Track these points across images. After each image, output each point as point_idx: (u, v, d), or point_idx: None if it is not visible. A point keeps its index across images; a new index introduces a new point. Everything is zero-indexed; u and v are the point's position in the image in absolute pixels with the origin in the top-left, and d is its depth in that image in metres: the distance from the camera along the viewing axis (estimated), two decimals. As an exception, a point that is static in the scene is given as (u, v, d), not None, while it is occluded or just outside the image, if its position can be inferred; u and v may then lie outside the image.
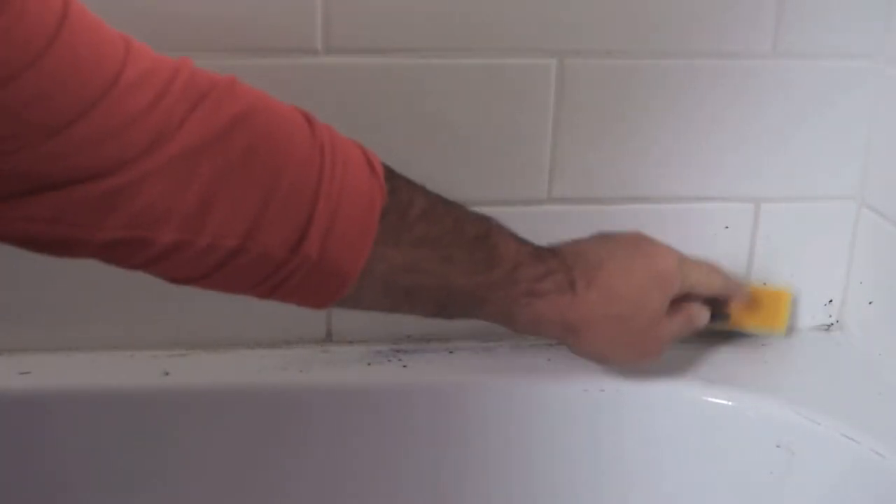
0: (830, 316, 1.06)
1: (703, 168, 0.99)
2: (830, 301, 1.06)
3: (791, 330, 1.04)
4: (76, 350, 0.97)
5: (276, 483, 0.96)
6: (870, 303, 1.01)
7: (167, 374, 0.94)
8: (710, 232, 1.01)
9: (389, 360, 0.98)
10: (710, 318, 0.95)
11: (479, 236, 0.79)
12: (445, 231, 0.77)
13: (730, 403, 0.94)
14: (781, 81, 0.97)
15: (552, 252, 0.85)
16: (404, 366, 0.97)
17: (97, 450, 0.93)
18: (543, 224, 0.98)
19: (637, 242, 0.90)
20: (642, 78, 0.95)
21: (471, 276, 0.78)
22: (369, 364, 0.97)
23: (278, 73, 0.91)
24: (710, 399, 0.94)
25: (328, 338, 1.00)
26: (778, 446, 0.91)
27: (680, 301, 0.90)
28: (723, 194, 1.00)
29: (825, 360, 1.01)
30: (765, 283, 1.03)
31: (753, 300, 0.99)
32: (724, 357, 1.01)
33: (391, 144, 0.94)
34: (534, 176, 0.97)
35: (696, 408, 0.95)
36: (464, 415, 0.95)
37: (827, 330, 1.07)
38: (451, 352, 1.00)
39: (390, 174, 0.75)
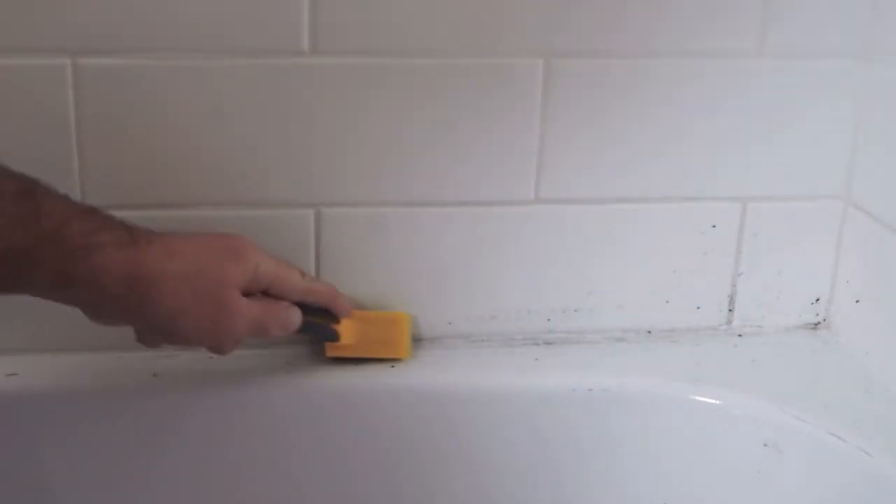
0: (817, 315, 1.07)
1: (690, 168, 0.99)
2: (817, 300, 1.06)
3: (414, 350, 1.00)
4: (64, 351, 0.96)
5: (273, 483, 0.96)
6: (856, 301, 1.02)
7: (156, 375, 0.94)
8: (697, 231, 1.01)
9: (379, 361, 0.98)
10: (316, 331, 0.93)
11: (22, 192, 0.72)
12: None
13: (717, 402, 0.94)
14: (768, 81, 0.97)
15: (109, 214, 0.79)
16: (392, 366, 0.97)
17: (86, 451, 0.93)
18: (531, 225, 0.98)
19: (216, 233, 0.87)
20: (629, 78, 0.95)
21: (16, 231, 0.71)
22: (357, 364, 0.97)
23: (265, 74, 0.91)
24: (697, 398, 0.95)
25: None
26: (765, 445, 0.92)
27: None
28: (710, 194, 1.00)
29: (812, 358, 1.01)
30: (384, 308, 1.00)
31: (369, 324, 0.97)
32: (711, 356, 1.01)
33: (376, 144, 0.95)
34: (521, 176, 0.97)
35: (683, 406, 0.95)
36: (453, 414, 0.96)
37: (814, 328, 1.07)
38: (439, 351, 1.00)
39: None
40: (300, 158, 0.94)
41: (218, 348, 0.84)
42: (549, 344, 1.02)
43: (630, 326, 1.04)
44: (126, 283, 0.77)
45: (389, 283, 0.99)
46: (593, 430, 0.96)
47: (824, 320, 1.07)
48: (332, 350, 0.96)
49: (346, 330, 0.95)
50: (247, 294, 0.84)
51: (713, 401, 0.94)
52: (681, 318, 1.04)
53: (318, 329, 0.93)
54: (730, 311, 1.05)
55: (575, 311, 1.02)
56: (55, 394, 0.93)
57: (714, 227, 1.01)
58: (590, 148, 0.97)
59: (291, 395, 0.95)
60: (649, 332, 1.04)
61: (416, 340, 1.01)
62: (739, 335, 1.05)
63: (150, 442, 0.94)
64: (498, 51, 0.93)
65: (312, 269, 0.97)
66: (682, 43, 0.95)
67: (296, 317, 0.89)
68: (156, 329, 0.81)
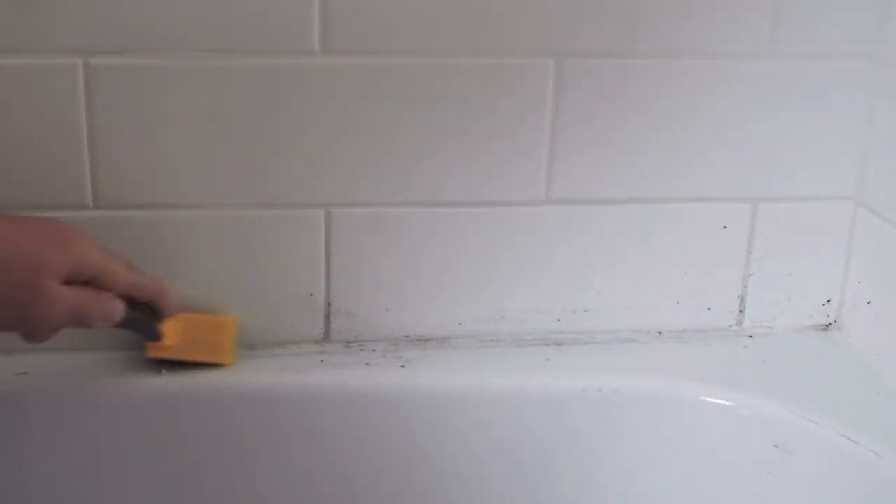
0: (828, 316, 1.06)
1: (701, 168, 0.99)
2: (828, 301, 1.06)
3: (240, 357, 0.98)
4: (73, 351, 0.96)
5: (275, 484, 0.96)
6: (868, 303, 1.02)
7: (163, 373, 0.94)
8: (708, 232, 1.01)
9: (388, 361, 0.98)
10: (139, 328, 0.90)
11: None
12: None
13: (728, 403, 0.94)
14: (779, 82, 0.97)
15: None
16: (402, 366, 0.97)
17: (95, 450, 0.93)
18: (541, 225, 0.98)
19: (38, 217, 0.84)
20: (640, 79, 0.95)
21: None
22: (367, 364, 0.97)
23: (276, 73, 0.91)
24: (707, 399, 0.94)
25: (326, 338, 1.00)
26: (776, 446, 0.91)
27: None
28: (721, 194, 1.00)
29: (823, 360, 1.01)
30: (214, 312, 0.98)
31: (193, 327, 0.95)
32: (721, 357, 1.01)
33: (387, 144, 0.95)
34: (531, 177, 0.97)
35: (694, 408, 0.95)
36: (462, 415, 0.95)
37: (825, 330, 1.07)
38: (448, 351, 1.00)
39: None
40: (311, 158, 0.94)
41: (30, 335, 0.81)
42: (559, 344, 1.02)
43: (640, 327, 1.04)
44: None
45: (399, 283, 0.99)
46: (603, 430, 0.96)
47: (835, 321, 1.07)
48: (152, 351, 0.93)
49: (170, 331, 0.92)
50: (69, 283, 0.81)
51: (723, 402, 0.94)
52: (691, 318, 1.04)
53: (141, 326, 0.91)
54: (740, 312, 1.04)
55: (585, 311, 1.02)
56: (65, 393, 0.93)
57: (725, 227, 1.01)
58: (600, 148, 0.97)
59: (295, 394, 0.95)
60: (659, 332, 1.04)
61: (423, 340, 1.01)
62: (750, 336, 1.05)
63: (159, 440, 0.94)
64: (509, 51, 0.93)
65: (322, 268, 0.97)
66: (693, 44, 0.95)
67: (118, 308, 0.85)
68: None
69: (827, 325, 1.07)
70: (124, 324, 0.86)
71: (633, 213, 1.00)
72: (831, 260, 1.04)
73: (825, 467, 0.89)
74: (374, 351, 0.99)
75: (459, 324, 1.01)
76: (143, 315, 0.90)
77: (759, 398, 0.93)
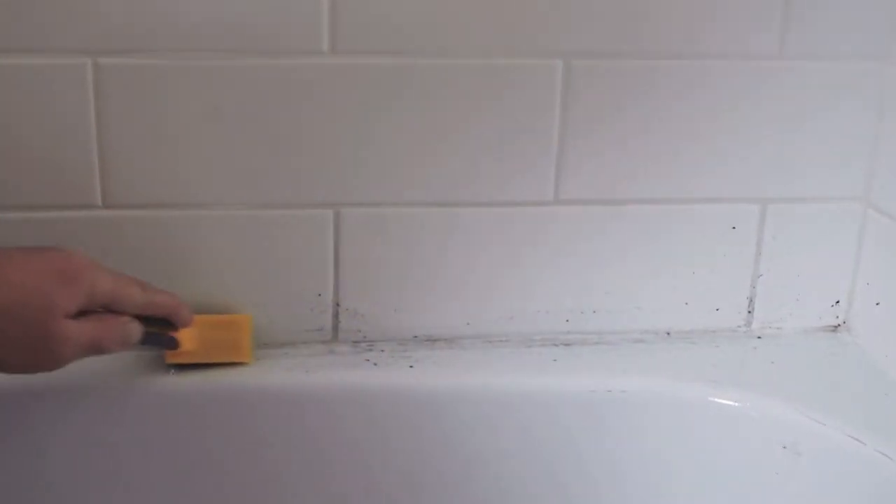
0: (837, 317, 1.06)
1: (709, 169, 0.99)
2: (837, 302, 1.06)
3: (255, 357, 0.98)
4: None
5: (281, 483, 0.96)
6: (876, 304, 1.01)
7: (172, 372, 0.94)
8: (716, 233, 1.01)
9: (396, 361, 0.98)
10: (156, 342, 0.90)
11: None
12: None
13: (736, 404, 0.94)
14: (788, 83, 0.97)
15: None
16: (410, 366, 0.97)
17: (102, 448, 0.93)
18: (550, 225, 0.98)
19: (45, 249, 0.82)
20: (649, 79, 0.95)
21: None
22: (375, 364, 0.97)
23: (285, 74, 0.91)
24: (715, 399, 0.94)
25: (334, 338, 1.00)
26: (784, 447, 0.91)
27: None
28: (729, 195, 1.00)
29: (831, 361, 1.01)
30: (226, 312, 0.98)
31: (209, 328, 0.95)
32: (730, 358, 1.01)
33: (396, 145, 0.95)
34: (540, 177, 0.97)
35: (702, 408, 0.95)
36: (470, 415, 0.95)
37: (833, 331, 1.06)
38: (457, 351, 1.00)
39: None
40: (320, 158, 0.94)
41: (41, 370, 0.81)
42: (568, 345, 1.02)
43: (649, 328, 1.04)
44: None
45: (407, 283, 0.99)
46: (611, 431, 0.96)
47: (844, 322, 1.06)
48: (171, 357, 0.93)
49: (187, 336, 0.92)
50: (84, 312, 0.81)
51: (732, 403, 0.94)
52: (700, 319, 1.04)
53: (158, 339, 0.90)
54: (749, 312, 1.04)
55: (594, 312, 1.02)
56: (72, 390, 0.93)
57: (734, 228, 1.01)
58: (609, 149, 0.97)
59: (303, 394, 0.95)
60: (668, 333, 1.04)
61: (432, 340, 1.01)
62: (758, 337, 1.05)
63: (164, 438, 0.94)
64: (517, 52, 0.93)
65: (331, 268, 0.97)
66: (703, 44, 0.95)
67: (135, 331, 0.85)
68: None
69: (836, 327, 1.07)
70: (143, 341, 0.87)
71: (642, 213, 0.99)
72: (840, 261, 1.04)
73: (833, 468, 0.89)
74: (382, 351, 1.00)
75: (468, 324, 1.01)
76: (160, 328, 0.90)
77: (768, 399, 0.93)
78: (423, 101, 0.93)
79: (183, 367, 0.94)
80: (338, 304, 0.99)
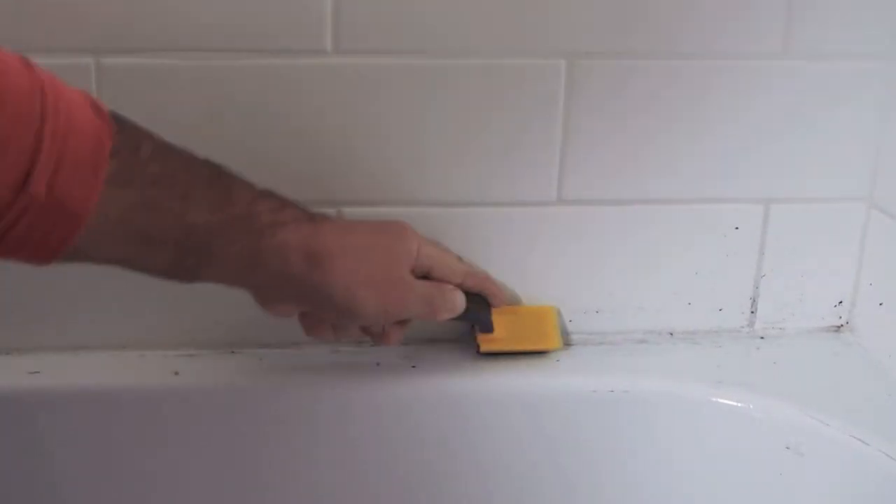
0: (840, 317, 1.06)
1: (712, 169, 0.99)
2: (840, 302, 1.05)
3: (567, 342, 1.01)
4: (86, 349, 0.97)
5: (284, 484, 0.96)
6: (880, 304, 1.01)
7: (177, 373, 0.94)
8: (719, 233, 1.01)
9: (398, 361, 0.98)
10: (476, 318, 0.93)
11: (213, 175, 0.77)
12: (179, 170, 0.74)
13: (739, 405, 0.94)
14: (791, 82, 0.97)
15: (283, 196, 0.82)
16: (413, 366, 0.97)
17: (107, 449, 0.93)
18: (553, 225, 0.98)
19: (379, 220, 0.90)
20: (652, 79, 0.95)
21: (210, 213, 0.75)
22: (378, 364, 0.97)
23: (288, 74, 0.91)
24: (719, 400, 0.94)
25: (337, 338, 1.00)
26: (787, 448, 0.91)
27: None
28: (732, 195, 1.00)
29: (835, 361, 1.01)
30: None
31: (520, 318, 0.98)
32: (733, 358, 1.01)
33: (398, 144, 0.95)
34: (543, 177, 0.97)
35: (705, 409, 0.95)
36: (472, 416, 0.95)
37: (836, 331, 1.06)
38: (459, 352, 1.00)
39: (117, 117, 0.72)
40: (322, 158, 0.94)
41: (383, 333, 0.88)
42: (570, 345, 1.02)
43: (651, 328, 1.04)
44: (307, 256, 0.79)
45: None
46: (614, 431, 0.96)
47: (847, 323, 1.06)
48: (486, 344, 0.96)
49: (498, 323, 0.95)
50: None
51: (735, 403, 0.94)
52: (703, 320, 1.04)
53: (477, 316, 0.93)
54: (752, 313, 1.04)
55: (596, 312, 1.02)
56: (77, 392, 0.93)
57: (737, 228, 1.01)
58: (612, 149, 0.97)
59: (306, 394, 0.95)
60: (671, 333, 1.04)
61: (434, 341, 1.01)
62: (761, 337, 1.05)
63: (170, 440, 0.94)
64: (521, 51, 0.93)
65: (334, 268, 0.97)
66: (706, 44, 0.95)
67: (461, 300, 0.89)
68: (333, 305, 0.82)
69: (839, 327, 1.07)
70: (463, 315, 0.89)
71: (645, 213, 0.99)
72: (843, 261, 1.04)
73: (836, 469, 0.89)
74: (384, 351, 0.99)
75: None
76: (478, 306, 0.92)
77: (771, 399, 0.93)
78: (426, 102, 0.93)
79: (493, 356, 0.97)
80: (340, 304, 0.99)
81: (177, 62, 0.89)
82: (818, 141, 0.99)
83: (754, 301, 1.04)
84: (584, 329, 1.02)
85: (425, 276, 0.88)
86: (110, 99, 0.89)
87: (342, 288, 0.81)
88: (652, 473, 0.97)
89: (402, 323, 0.89)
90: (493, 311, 0.95)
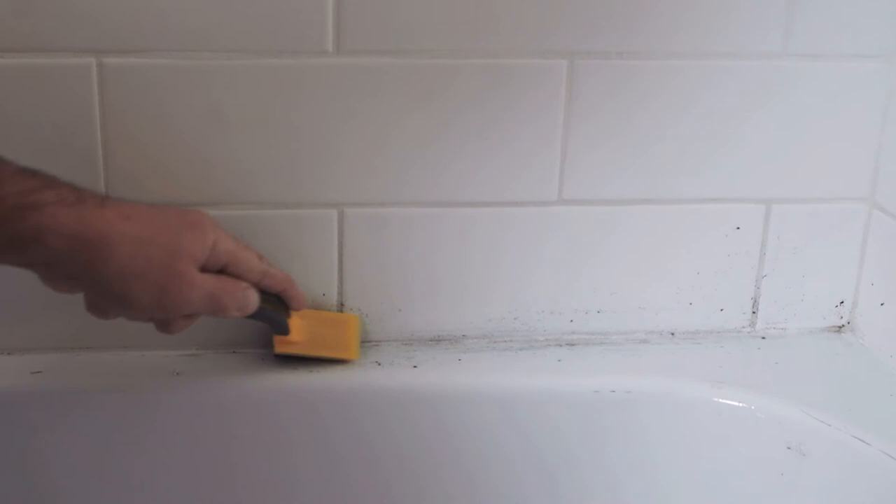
0: (841, 317, 1.06)
1: (714, 169, 0.99)
2: (842, 302, 1.05)
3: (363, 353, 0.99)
4: (88, 349, 0.97)
5: (287, 483, 0.96)
6: (881, 304, 1.01)
7: (178, 374, 0.94)
8: (721, 233, 1.01)
9: (399, 361, 0.98)
10: (269, 319, 0.90)
11: None
12: None
13: (740, 405, 0.94)
14: (793, 83, 0.97)
15: (54, 176, 0.76)
16: (414, 366, 0.97)
17: (107, 449, 0.93)
18: (554, 225, 0.98)
19: (175, 206, 0.85)
20: (653, 79, 0.95)
21: None
22: (379, 364, 0.97)
23: (290, 74, 0.91)
24: (720, 400, 0.94)
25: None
26: (789, 448, 0.91)
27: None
28: (734, 195, 1.00)
29: (836, 361, 1.01)
30: (340, 310, 1.00)
31: (320, 323, 0.96)
32: (734, 358, 1.01)
33: (400, 144, 0.95)
34: (544, 177, 0.97)
35: (706, 409, 0.95)
36: (474, 415, 0.95)
37: (838, 331, 1.06)
38: (461, 351, 1.00)
39: None
40: (324, 158, 0.94)
41: (166, 323, 0.82)
42: (572, 345, 1.02)
43: (653, 328, 1.04)
44: (73, 243, 0.74)
45: (411, 283, 0.99)
46: (616, 431, 0.96)
47: (848, 323, 1.06)
48: (280, 346, 0.94)
49: (295, 327, 0.93)
50: (204, 270, 0.81)
51: (736, 403, 0.94)
52: (704, 320, 1.04)
53: (272, 317, 0.90)
54: (753, 313, 1.04)
55: (598, 312, 1.02)
56: (79, 392, 0.93)
57: (738, 229, 1.01)
58: (613, 149, 0.97)
59: (308, 394, 0.95)
60: (672, 333, 1.04)
61: (436, 340, 1.01)
62: (763, 337, 1.05)
63: (172, 439, 0.94)
64: (522, 52, 0.93)
65: (335, 268, 0.97)
66: (707, 44, 0.95)
67: (253, 298, 0.85)
68: (106, 293, 0.78)
69: (840, 327, 1.07)
70: (256, 314, 0.86)
71: (646, 214, 0.99)
72: (845, 261, 1.04)
73: (838, 469, 0.89)
74: (386, 351, 0.99)
75: (471, 324, 1.01)
76: (274, 307, 0.90)
77: (772, 399, 0.93)
78: (427, 102, 0.93)
79: (287, 359, 0.95)
80: (342, 304, 0.99)
81: (178, 62, 0.89)
82: (819, 141, 0.99)
83: (756, 301, 1.04)
84: (586, 329, 1.02)
85: (221, 271, 0.84)
86: (112, 98, 0.90)
87: (114, 277, 0.77)
88: (653, 473, 0.96)
89: (188, 316, 0.83)
90: (296, 314, 0.93)
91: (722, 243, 1.01)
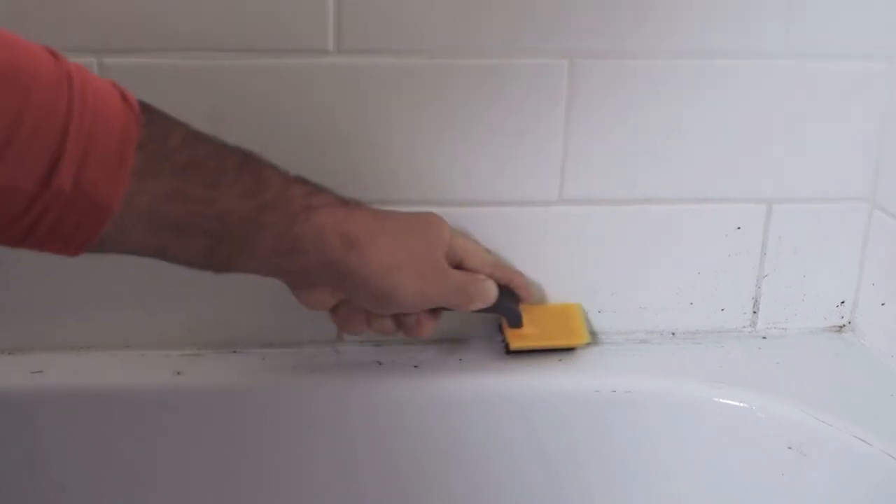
0: (842, 317, 1.06)
1: (715, 169, 0.99)
2: (842, 302, 1.05)
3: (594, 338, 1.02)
4: (88, 349, 0.97)
5: (288, 483, 0.96)
6: (882, 304, 1.01)
7: (179, 373, 0.94)
8: (721, 233, 1.01)
9: (401, 361, 0.98)
10: (506, 311, 0.93)
11: (243, 162, 0.76)
12: (208, 157, 0.73)
13: (741, 405, 0.93)
14: (794, 82, 0.97)
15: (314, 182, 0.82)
16: (415, 366, 0.97)
17: (108, 449, 0.93)
18: (554, 225, 0.98)
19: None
20: (654, 79, 0.95)
21: (242, 200, 0.74)
22: (380, 364, 0.97)
23: (290, 73, 0.91)
24: (721, 400, 0.94)
25: (339, 338, 1.00)
26: (789, 448, 0.91)
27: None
28: (735, 195, 1.00)
29: (837, 361, 1.01)
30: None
31: (545, 315, 0.98)
32: (735, 358, 1.01)
33: (400, 144, 0.95)
34: (545, 177, 0.97)
35: (707, 408, 0.94)
36: (475, 414, 0.95)
37: (839, 331, 1.06)
38: (462, 351, 1.00)
39: (146, 107, 0.71)
40: (324, 157, 0.94)
41: (417, 324, 0.87)
42: (597, 344, 1.02)
43: (654, 328, 1.04)
44: (343, 240, 0.79)
45: (412, 283, 0.99)
46: (616, 432, 0.96)
47: (849, 323, 1.06)
48: (516, 341, 0.96)
49: (525, 319, 0.95)
50: None
51: (737, 403, 0.94)
52: (705, 319, 1.04)
53: (508, 310, 0.93)
54: (754, 313, 1.04)
55: (598, 312, 1.02)
56: (79, 392, 0.93)
57: (739, 228, 1.01)
58: (614, 149, 0.97)
59: (308, 393, 0.95)
60: (673, 333, 1.04)
61: (437, 341, 1.01)
62: (764, 337, 1.05)
63: (173, 439, 0.94)
64: (523, 51, 0.93)
65: (336, 268, 0.97)
66: (708, 44, 0.95)
67: (494, 289, 0.90)
68: (369, 288, 0.82)
69: (841, 327, 1.07)
70: (494, 306, 0.89)
71: (647, 213, 0.99)
72: (846, 261, 1.04)
73: (839, 469, 0.89)
74: (387, 351, 0.99)
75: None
76: (508, 298, 0.92)
77: (773, 399, 0.93)
78: (428, 101, 0.93)
79: (515, 354, 0.97)
80: (342, 304, 0.99)
81: (178, 62, 0.89)
82: (820, 141, 0.99)
83: (756, 301, 1.04)
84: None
85: (457, 266, 0.88)
86: (112, 98, 0.89)
87: (380, 270, 0.81)
88: (654, 473, 0.96)
89: (434, 313, 0.89)
90: (520, 306, 0.95)
91: (722, 243, 1.01)
